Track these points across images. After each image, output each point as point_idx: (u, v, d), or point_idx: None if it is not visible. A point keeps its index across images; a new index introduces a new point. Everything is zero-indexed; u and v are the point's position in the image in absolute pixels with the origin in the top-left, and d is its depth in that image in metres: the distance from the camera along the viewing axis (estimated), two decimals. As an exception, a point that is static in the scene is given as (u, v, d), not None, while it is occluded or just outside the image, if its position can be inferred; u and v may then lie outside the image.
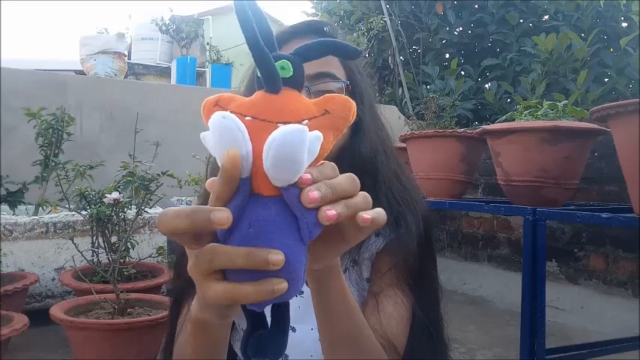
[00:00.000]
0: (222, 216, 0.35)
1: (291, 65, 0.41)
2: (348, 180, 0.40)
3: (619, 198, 2.58)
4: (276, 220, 0.37)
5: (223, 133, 0.37)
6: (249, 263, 0.35)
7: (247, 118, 0.39)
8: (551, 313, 2.61)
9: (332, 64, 0.72)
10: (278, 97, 0.40)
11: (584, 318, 2.69)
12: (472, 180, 2.20)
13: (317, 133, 0.37)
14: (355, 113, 0.41)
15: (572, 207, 1.73)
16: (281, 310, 0.42)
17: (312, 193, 0.36)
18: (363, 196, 0.40)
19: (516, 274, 3.14)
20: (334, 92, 0.71)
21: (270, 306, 0.41)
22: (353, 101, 0.41)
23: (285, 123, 0.38)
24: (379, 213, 0.39)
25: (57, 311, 1.81)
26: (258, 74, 0.41)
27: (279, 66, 0.41)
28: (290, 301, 0.46)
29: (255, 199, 0.37)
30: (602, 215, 1.35)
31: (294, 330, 0.70)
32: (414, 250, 0.70)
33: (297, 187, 0.37)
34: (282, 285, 0.36)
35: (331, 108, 0.41)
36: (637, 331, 2.12)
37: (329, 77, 0.71)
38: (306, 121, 0.39)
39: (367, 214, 0.38)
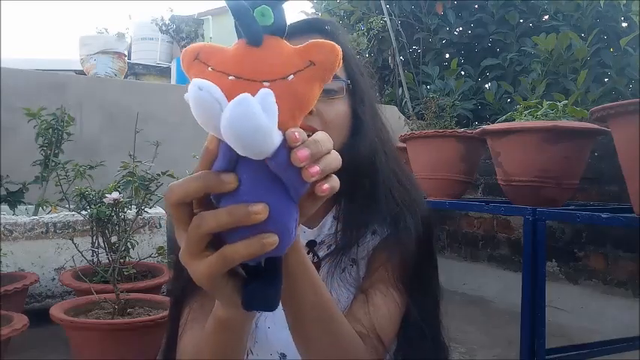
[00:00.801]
0: (231, 177, 0.37)
1: (271, 11, 0.39)
2: (325, 137, 0.40)
3: (619, 198, 2.58)
4: (263, 178, 0.38)
5: (200, 107, 0.36)
6: (233, 218, 0.36)
7: (230, 77, 0.38)
8: (551, 313, 2.61)
9: None
10: (260, 51, 0.39)
11: (584, 318, 2.69)
12: (472, 180, 2.20)
13: (264, 91, 0.36)
14: (341, 60, 0.40)
15: (572, 207, 1.73)
16: (274, 263, 0.42)
17: (302, 152, 0.37)
18: (336, 155, 0.41)
19: (516, 274, 3.13)
20: (336, 91, 0.71)
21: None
22: (337, 46, 0.40)
23: (270, 81, 0.38)
24: (335, 181, 0.40)
25: (57, 311, 1.81)
26: (237, 25, 0.39)
27: (258, 13, 0.39)
28: None
29: (244, 161, 0.37)
30: (602, 215, 1.35)
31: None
32: (410, 250, 0.70)
33: (280, 153, 0.37)
34: (271, 239, 0.37)
35: (316, 58, 0.39)
36: (637, 331, 2.12)
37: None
38: (292, 76, 0.39)
39: (326, 184, 0.39)
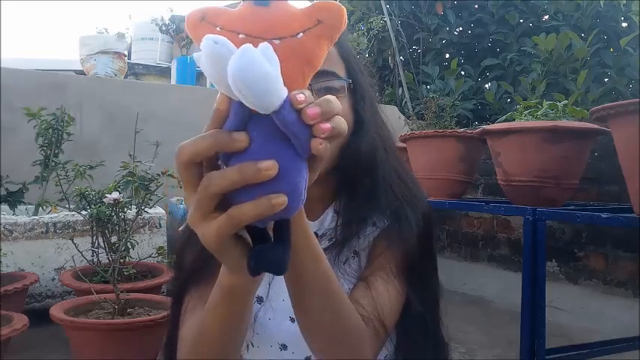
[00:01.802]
0: (242, 135, 0.37)
1: None
2: (335, 100, 0.40)
3: (619, 198, 2.58)
4: (273, 137, 0.38)
5: (217, 62, 0.35)
6: (242, 176, 0.36)
7: (240, 35, 0.38)
8: (551, 313, 2.61)
9: (333, 63, 0.72)
10: (268, 10, 0.39)
11: (584, 318, 2.69)
12: (472, 180, 2.20)
13: (263, 44, 0.37)
14: (346, 20, 0.41)
15: (572, 207, 1.73)
16: (283, 226, 0.42)
17: (312, 110, 0.37)
18: (343, 119, 0.40)
19: (516, 274, 3.13)
20: (337, 90, 0.72)
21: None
22: (343, 7, 0.41)
23: (280, 39, 0.38)
24: (339, 124, 0.39)
25: (57, 311, 1.81)
26: None
27: None
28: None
29: (255, 118, 0.37)
30: (602, 215, 1.35)
31: (293, 321, 0.70)
32: (411, 242, 0.71)
33: (287, 108, 0.37)
34: (280, 199, 0.37)
35: (323, 17, 0.40)
36: (637, 331, 2.12)
37: (331, 75, 0.71)
38: (301, 34, 0.39)
39: (327, 124, 0.38)
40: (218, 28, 0.39)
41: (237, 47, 0.36)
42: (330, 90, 0.71)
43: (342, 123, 0.39)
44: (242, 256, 0.42)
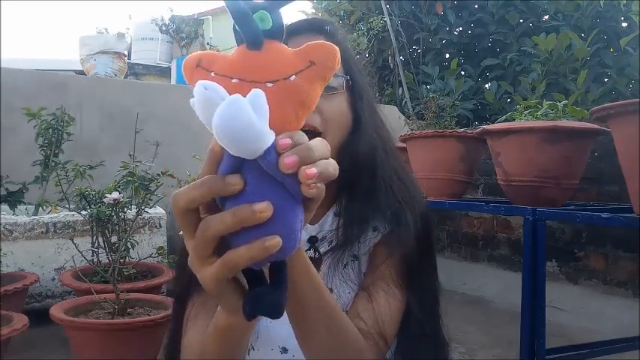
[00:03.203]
0: (235, 178, 0.37)
1: (269, 16, 0.40)
2: (322, 145, 0.40)
3: (619, 198, 2.58)
4: (267, 178, 0.38)
5: (207, 107, 0.36)
6: (237, 219, 0.36)
7: (234, 80, 0.39)
8: (551, 313, 2.61)
9: None
10: (261, 54, 0.40)
11: (584, 318, 2.69)
12: (472, 180, 2.20)
13: (255, 91, 0.37)
14: (339, 59, 0.41)
15: (572, 207, 1.73)
16: (278, 268, 0.42)
17: (289, 159, 0.36)
18: (333, 163, 0.40)
19: (516, 274, 3.13)
20: (335, 87, 0.72)
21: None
22: (335, 47, 0.40)
23: (273, 82, 0.39)
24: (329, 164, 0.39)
25: (57, 311, 1.81)
26: (237, 29, 0.40)
27: (257, 18, 0.40)
28: None
29: (248, 161, 0.37)
30: (602, 215, 1.34)
31: None
32: (410, 246, 0.71)
33: (273, 153, 0.37)
34: (274, 241, 0.37)
35: (316, 58, 0.40)
36: (637, 331, 2.12)
37: None
38: (294, 76, 0.39)
39: (313, 169, 0.37)
40: (212, 74, 0.40)
41: (231, 92, 0.36)
42: (328, 88, 0.71)
43: (330, 166, 0.39)
44: (238, 299, 0.43)
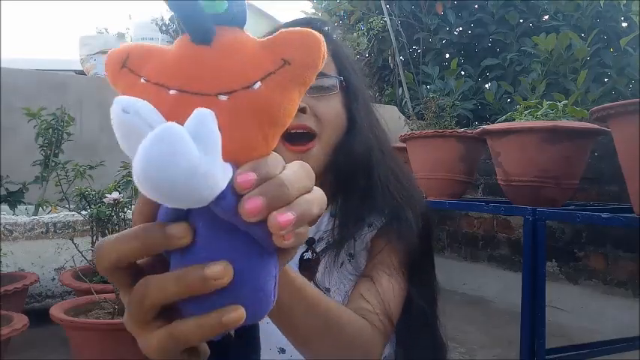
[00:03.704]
0: (180, 229, 0.27)
1: None
2: (301, 171, 0.30)
3: (619, 198, 2.58)
4: (225, 225, 0.27)
5: (128, 136, 0.26)
6: (183, 288, 0.27)
7: (172, 91, 0.28)
8: (551, 313, 2.61)
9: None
10: (212, 51, 0.28)
11: (584, 318, 2.69)
12: (472, 180, 2.19)
13: (199, 113, 0.25)
14: (325, 53, 0.30)
15: (572, 207, 1.73)
16: (249, 331, 0.33)
17: (252, 203, 0.26)
18: (318, 196, 0.30)
19: (516, 274, 3.13)
20: (329, 88, 0.71)
21: None
22: (318, 35, 0.30)
23: (229, 93, 0.27)
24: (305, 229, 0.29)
25: (57, 311, 1.81)
26: (176, 17, 0.28)
27: None
28: None
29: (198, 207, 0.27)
30: (602, 215, 1.34)
31: None
32: (411, 242, 0.70)
33: (229, 197, 0.26)
34: (235, 313, 0.27)
35: (291, 54, 0.29)
36: (637, 331, 2.12)
37: (321, 75, 0.71)
38: (258, 83, 0.28)
39: (286, 216, 0.27)
40: (142, 80, 0.29)
41: (167, 111, 0.26)
42: (321, 89, 0.71)
43: (314, 205, 0.29)
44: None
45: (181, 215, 0.28)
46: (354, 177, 0.72)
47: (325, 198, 0.31)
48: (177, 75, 0.28)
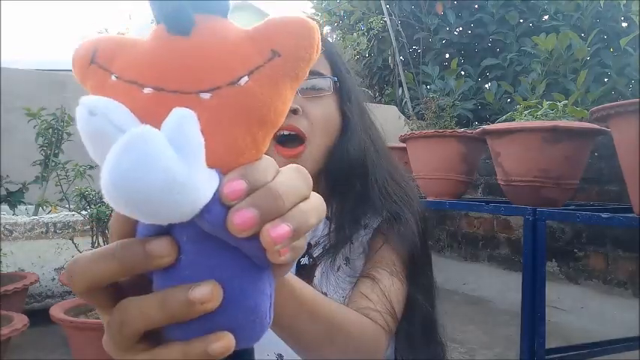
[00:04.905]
0: (163, 246, 0.24)
1: None
2: (297, 176, 0.27)
3: (619, 198, 2.58)
4: (213, 240, 0.24)
5: (94, 141, 0.23)
6: (167, 313, 0.24)
7: (146, 89, 0.24)
8: (551, 313, 2.61)
9: (318, 62, 0.72)
10: (191, 42, 0.25)
11: (584, 318, 2.69)
12: (472, 180, 2.19)
13: (178, 113, 0.22)
14: (319, 42, 0.27)
15: (572, 207, 1.73)
16: (242, 354, 0.28)
17: (242, 215, 0.23)
18: (316, 202, 0.27)
19: (516, 274, 3.13)
20: (322, 88, 0.70)
21: None
22: (312, 23, 0.27)
23: (212, 90, 0.24)
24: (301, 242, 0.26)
25: (57, 311, 1.81)
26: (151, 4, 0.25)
27: None
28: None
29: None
30: (602, 215, 1.34)
31: None
32: (410, 242, 0.70)
33: (217, 210, 0.23)
34: (223, 342, 0.24)
35: (281, 44, 0.25)
36: (637, 331, 2.12)
37: (315, 75, 0.70)
38: (245, 77, 0.24)
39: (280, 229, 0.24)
40: (114, 77, 0.25)
41: (141, 112, 0.23)
42: (312, 89, 0.70)
43: (311, 215, 0.26)
44: None
45: (164, 228, 0.24)
46: (349, 179, 0.71)
47: (324, 205, 0.28)
48: (152, 71, 0.24)
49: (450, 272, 3.53)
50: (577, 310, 2.78)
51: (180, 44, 0.25)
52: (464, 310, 2.91)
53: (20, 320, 1.78)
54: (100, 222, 2.10)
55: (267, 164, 0.26)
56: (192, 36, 0.25)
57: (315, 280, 0.72)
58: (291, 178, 0.26)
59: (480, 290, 3.36)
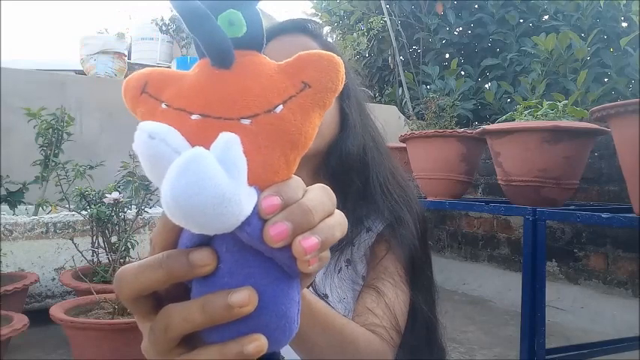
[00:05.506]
0: (205, 256, 0.27)
1: (242, 17, 0.29)
2: (323, 194, 0.30)
3: (619, 198, 2.58)
4: (249, 250, 0.28)
5: (154, 163, 0.26)
6: (208, 316, 0.27)
7: (194, 116, 0.28)
8: (551, 313, 2.61)
9: None
10: (233, 74, 0.29)
11: (584, 318, 2.69)
12: (472, 180, 2.20)
13: (224, 137, 0.26)
14: (344, 77, 0.31)
15: (572, 207, 1.73)
16: (268, 357, 0.31)
17: (277, 228, 0.26)
18: (340, 218, 0.30)
19: (516, 274, 3.14)
20: None
21: None
22: (338, 59, 0.30)
23: (251, 117, 0.28)
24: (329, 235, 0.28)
25: (57, 311, 1.81)
26: (197, 42, 0.28)
27: (224, 21, 0.28)
28: None
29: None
30: (602, 215, 1.34)
31: None
32: (411, 246, 0.70)
33: (254, 223, 0.26)
34: (256, 344, 0.27)
35: (312, 77, 0.29)
36: (637, 331, 2.12)
37: None
38: (280, 106, 0.28)
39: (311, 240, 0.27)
40: (163, 105, 0.29)
41: (190, 135, 0.26)
42: None
43: (336, 229, 0.29)
44: None
45: (205, 240, 0.28)
46: (350, 179, 0.71)
47: (346, 220, 0.31)
48: (198, 99, 0.28)
49: (450, 272, 3.53)
50: (577, 310, 2.78)
51: (223, 76, 0.29)
52: (464, 310, 2.91)
53: (20, 320, 1.78)
54: (100, 222, 2.10)
55: (297, 183, 0.29)
56: (233, 69, 0.29)
57: (317, 281, 0.72)
58: (319, 195, 0.29)
59: (479, 290, 3.36)
